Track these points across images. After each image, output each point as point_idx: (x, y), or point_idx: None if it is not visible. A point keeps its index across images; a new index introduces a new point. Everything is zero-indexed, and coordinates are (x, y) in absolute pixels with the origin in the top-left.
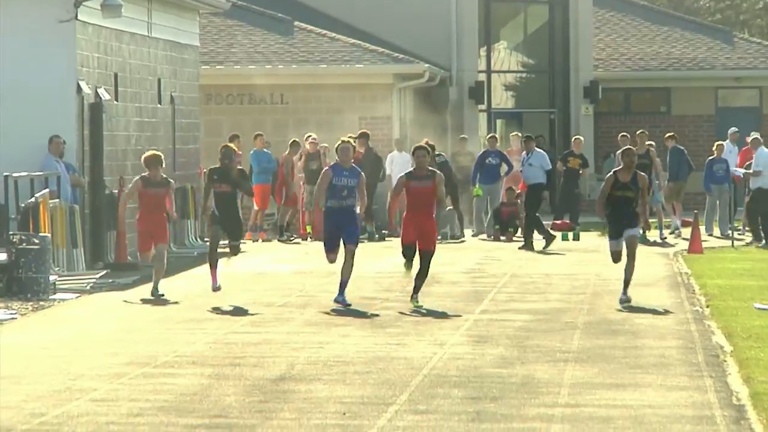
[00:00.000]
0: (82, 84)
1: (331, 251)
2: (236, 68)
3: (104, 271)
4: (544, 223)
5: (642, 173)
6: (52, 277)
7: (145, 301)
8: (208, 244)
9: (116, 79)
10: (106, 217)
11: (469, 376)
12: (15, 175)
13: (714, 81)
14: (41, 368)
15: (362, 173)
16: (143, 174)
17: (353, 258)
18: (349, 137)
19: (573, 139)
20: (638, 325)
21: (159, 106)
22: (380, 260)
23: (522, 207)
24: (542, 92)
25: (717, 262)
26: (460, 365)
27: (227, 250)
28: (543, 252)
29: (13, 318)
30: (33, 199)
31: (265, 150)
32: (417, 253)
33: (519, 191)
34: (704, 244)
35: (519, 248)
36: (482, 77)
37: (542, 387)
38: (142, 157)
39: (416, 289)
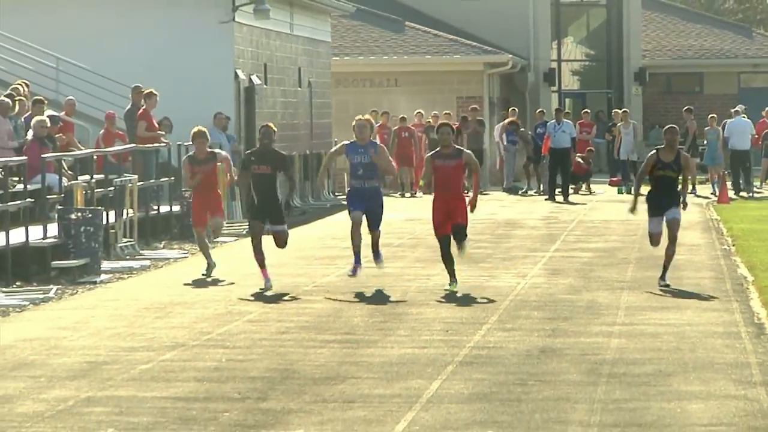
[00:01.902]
0: (239, 72)
1: (356, 210)
2: (360, 59)
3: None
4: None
5: (685, 153)
6: None
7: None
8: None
9: (265, 68)
10: None
11: (546, 301)
12: (186, 143)
13: (737, 67)
14: (207, 296)
15: (380, 145)
16: (189, 154)
17: (378, 243)
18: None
19: (622, 112)
20: (678, 261)
21: (299, 89)
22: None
23: (545, 166)
24: (601, 76)
25: (741, 211)
26: (538, 292)
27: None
28: (568, 202)
29: (184, 257)
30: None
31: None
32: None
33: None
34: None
35: (545, 199)
36: (554, 65)
37: (603, 309)
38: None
39: (452, 274)
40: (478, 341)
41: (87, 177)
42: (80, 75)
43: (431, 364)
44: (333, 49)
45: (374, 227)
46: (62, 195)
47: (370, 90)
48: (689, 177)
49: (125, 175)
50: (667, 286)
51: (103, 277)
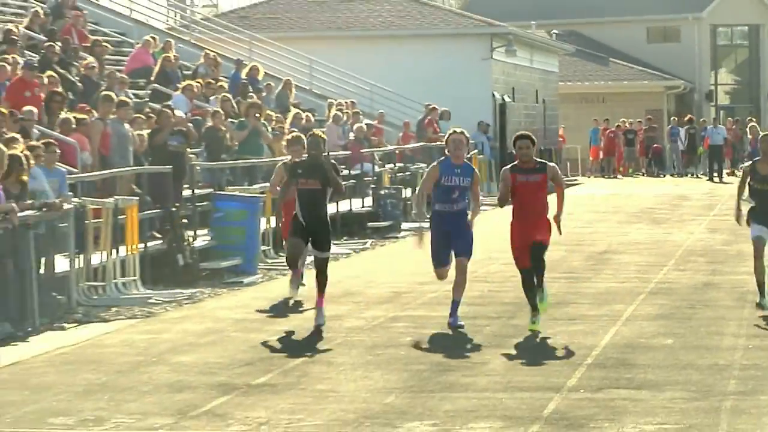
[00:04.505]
0: (495, 93)
1: (440, 265)
2: (578, 83)
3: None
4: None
5: None
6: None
7: None
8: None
9: (513, 90)
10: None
11: (707, 250)
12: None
13: None
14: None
15: (476, 171)
16: (285, 162)
17: (465, 273)
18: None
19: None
20: None
21: (536, 104)
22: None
23: (704, 156)
24: (745, 96)
25: None
26: (702, 245)
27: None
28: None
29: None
30: (469, 154)
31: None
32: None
33: (705, 149)
34: None
35: (706, 180)
36: (712, 87)
37: (747, 257)
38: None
39: (534, 307)
40: (661, 278)
41: (391, 165)
42: (386, 95)
43: (628, 294)
44: (559, 77)
45: (463, 253)
46: (374, 177)
47: (585, 105)
48: None
49: (417, 164)
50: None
51: (401, 234)
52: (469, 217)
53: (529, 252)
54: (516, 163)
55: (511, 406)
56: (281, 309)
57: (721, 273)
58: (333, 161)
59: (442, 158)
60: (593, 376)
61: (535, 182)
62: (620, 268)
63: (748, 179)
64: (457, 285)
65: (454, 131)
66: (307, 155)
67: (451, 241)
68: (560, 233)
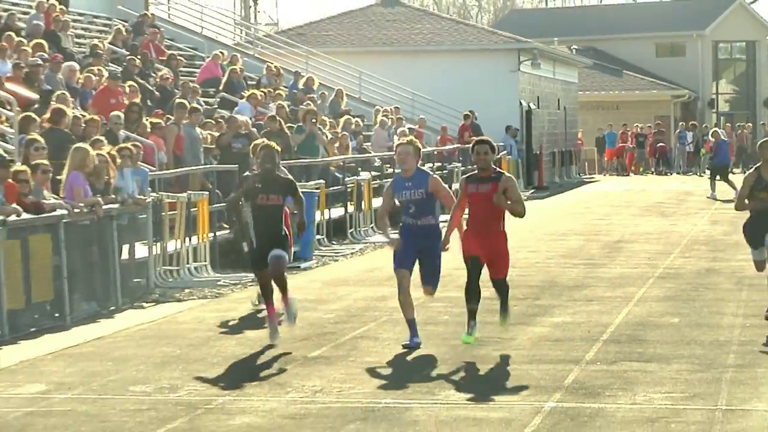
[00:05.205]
0: (522, 101)
1: (400, 266)
2: (595, 93)
3: (532, 191)
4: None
5: None
6: None
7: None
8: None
9: (538, 99)
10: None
11: (709, 240)
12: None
13: None
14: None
15: (432, 176)
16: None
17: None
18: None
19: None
20: None
21: (558, 111)
22: (660, 183)
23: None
24: (743, 104)
25: None
26: (704, 235)
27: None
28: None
29: None
30: (499, 155)
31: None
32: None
33: (707, 151)
34: None
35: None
36: (713, 96)
37: (744, 246)
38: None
39: (472, 318)
40: (668, 264)
41: (430, 164)
42: (426, 102)
43: (639, 278)
44: (578, 87)
45: (428, 281)
46: None
47: (601, 112)
48: None
49: (454, 163)
50: None
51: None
52: (443, 233)
53: (481, 247)
54: (474, 172)
55: (535, 377)
56: (334, 291)
57: (721, 260)
58: (288, 175)
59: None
60: (608, 350)
61: (484, 193)
62: (632, 255)
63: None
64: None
65: (400, 142)
66: (261, 169)
67: (421, 263)
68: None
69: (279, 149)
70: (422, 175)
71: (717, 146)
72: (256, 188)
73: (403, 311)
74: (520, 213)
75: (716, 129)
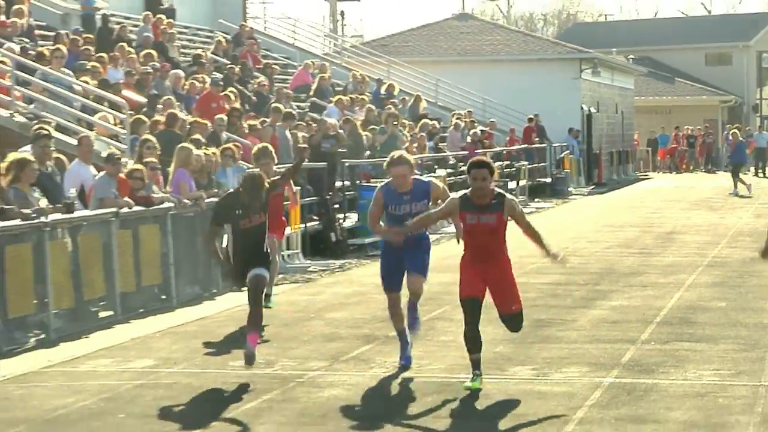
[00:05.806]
0: (583, 105)
1: (391, 287)
2: (650, 98)
3: (592, 187)
4: None
5: None
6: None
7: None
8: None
9: (598, 104)
10: (593, 163)
11: (753, 231)
12: (555, 144)
13: None
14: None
15: (433, 182)
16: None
17: (420, 292)
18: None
19: None
20: None
21: (615, 114)
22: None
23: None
24: None
25: None
26: (749, 227)
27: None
28: (766, 177)
29: (551, 207)
30: (562, 154)
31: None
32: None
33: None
34: None
35: (753, 175)
36: (757, 101)
37: None
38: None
39: (476, 367)
40: (716, 253)
41: (500, 162)
42: (496, 107)
43: (690, 266)
44: (634, 93)
45: (416, 270)
46: None
47: (655, 116)
48: None
49: (521, 162)
50: None
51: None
52: (457, 239)
53: (483, 281)
54: (467, 193)
55: (595, 355)
56: None
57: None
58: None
59: (385, 183)
60: (662, 331)
61: (487, 224)
62: (683, 245)
63: None
64: (402, 316)
65: (392, 157)
66: (243, 197)
67: (403, 261)
68: (562, 261)
69: (264, 181)
70: (422, 185)
71: (736, 146)
72: (237, 215)
73: (393, 322)
74: (539, 236)
75: (735, 130)
